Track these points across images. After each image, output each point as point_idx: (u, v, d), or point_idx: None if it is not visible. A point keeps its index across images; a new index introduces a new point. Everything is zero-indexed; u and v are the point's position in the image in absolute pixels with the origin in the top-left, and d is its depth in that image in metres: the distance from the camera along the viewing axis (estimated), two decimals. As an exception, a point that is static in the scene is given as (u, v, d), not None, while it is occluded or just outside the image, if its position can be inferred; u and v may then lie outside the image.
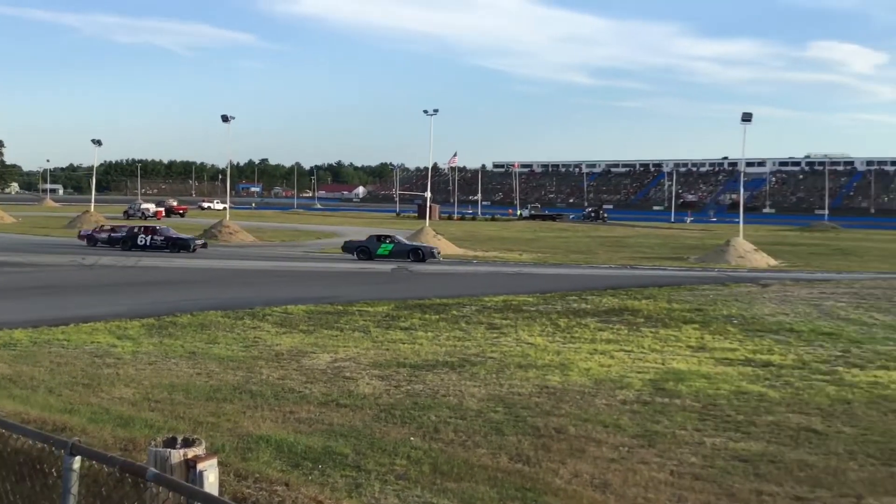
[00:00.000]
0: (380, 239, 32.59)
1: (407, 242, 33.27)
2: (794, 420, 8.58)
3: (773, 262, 35.53)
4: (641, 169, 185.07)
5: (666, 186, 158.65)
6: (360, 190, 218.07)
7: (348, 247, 33.10)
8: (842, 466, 7.05)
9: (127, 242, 33.47)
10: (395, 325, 14.79)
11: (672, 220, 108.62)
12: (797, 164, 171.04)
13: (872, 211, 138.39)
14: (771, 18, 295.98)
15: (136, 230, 34.77)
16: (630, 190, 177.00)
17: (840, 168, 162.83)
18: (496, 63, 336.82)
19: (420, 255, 31.41)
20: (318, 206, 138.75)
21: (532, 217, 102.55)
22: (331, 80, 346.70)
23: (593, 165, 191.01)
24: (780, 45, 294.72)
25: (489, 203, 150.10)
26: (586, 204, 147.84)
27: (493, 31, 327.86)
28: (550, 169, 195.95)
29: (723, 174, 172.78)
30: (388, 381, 10.15)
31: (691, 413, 8.81)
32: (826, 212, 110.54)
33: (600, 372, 10.89)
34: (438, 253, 32.87)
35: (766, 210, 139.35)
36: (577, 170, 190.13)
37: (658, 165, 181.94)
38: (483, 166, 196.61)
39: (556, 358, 11.86)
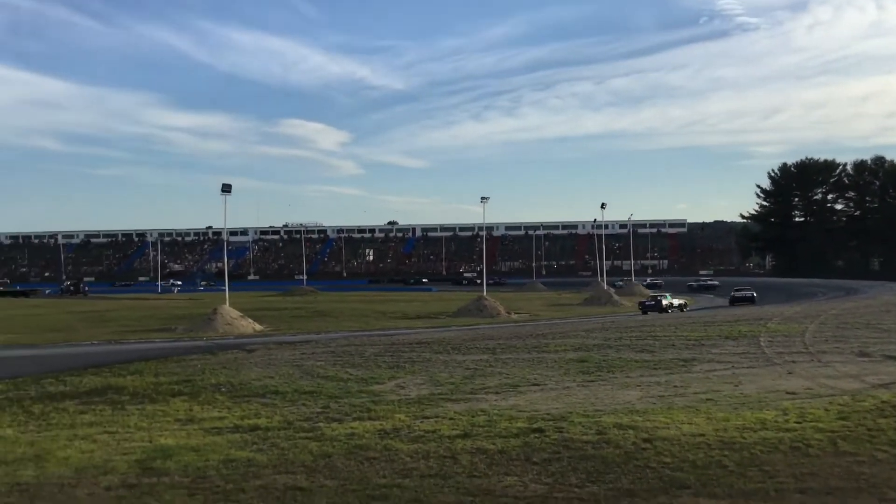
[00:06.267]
0: None
1: None
2: (280, 480, 8.84)
3: (258, 326, 36.83)
4: (124, 239, 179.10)
5: (151, 256, 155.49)
6: None
7: None
8: (324, 519, 7.44)
9: None
10: None
11: (160, 290, 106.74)
12: (277, 232, 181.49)
13: (344, 274, 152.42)
14: (243, 95, 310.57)
15: None
16: (113, 261, 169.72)
17: (315, 236, 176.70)
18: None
19: None
20: None
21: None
22: None
23: (71, 236, 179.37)
24: (254, 121, 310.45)
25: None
26: (65, 277, 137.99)
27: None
28: (21, 240, 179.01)
29: (208, 243, 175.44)
30: None
31: (180, 489, 8.55)
32: (304, 277, 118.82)
33: (81, 459, 10.04)
34: None
35: (251, 277, 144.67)
36: (52, 241, 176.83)
37: (142, 235, 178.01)
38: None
39: (30, 449, 10.63)
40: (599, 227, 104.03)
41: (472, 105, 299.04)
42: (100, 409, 13.93)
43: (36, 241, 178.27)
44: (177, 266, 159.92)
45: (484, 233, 77.79)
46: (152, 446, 10.75)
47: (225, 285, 46.45)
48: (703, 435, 10.66)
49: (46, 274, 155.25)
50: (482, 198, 57.48)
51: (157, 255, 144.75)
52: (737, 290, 63.94)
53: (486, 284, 59.41)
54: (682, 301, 54.59)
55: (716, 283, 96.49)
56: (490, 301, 49.39)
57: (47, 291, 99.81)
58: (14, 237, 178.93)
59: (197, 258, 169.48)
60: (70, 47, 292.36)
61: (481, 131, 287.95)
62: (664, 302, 51.22)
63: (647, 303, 52.12)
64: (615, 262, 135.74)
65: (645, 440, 10.44)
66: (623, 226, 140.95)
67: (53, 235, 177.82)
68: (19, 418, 13.21)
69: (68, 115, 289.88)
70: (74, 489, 8.64)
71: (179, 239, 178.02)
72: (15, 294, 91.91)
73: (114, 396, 15.41)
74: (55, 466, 9.66)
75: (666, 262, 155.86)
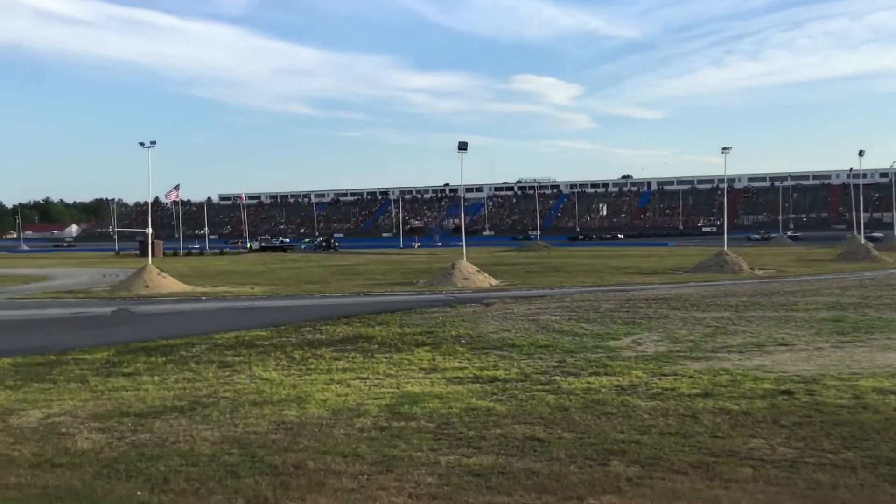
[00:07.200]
0: None
1: None
2: (519, 431, 9.07)
3: (494, 281, 37.61)
4: (369, 197, 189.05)
5: (393, 213, 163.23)
6: (74, 228, 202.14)
7: None
8: (564, 471, 7.54)
9: None
10: (118, 372, 13.80)
11: (401, 245, 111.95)
12: (510, 188, 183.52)
13: (577, 230, 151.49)
14: (476, 53, 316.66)
15: None
16: (359, 218, 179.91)
17: (548, 191, 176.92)
18: (214, 93, 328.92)
19: None
20: (25, 248, 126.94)
21: (263, 249, 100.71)
22: (33, 112, 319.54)
23: (322, 195, 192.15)
24: (487, 78, 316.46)
25: (217, 237, 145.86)
26: (317, 233, 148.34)
27: (208, 60, 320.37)
28: (279, 200, 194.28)
29: (445, 200, 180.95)
30: (111, 433, 9.41)
31: (426, 434, 9.02)
32: (538, 232, 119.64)
33: (337, 402, 10.86)
34: None
35: (486, 232, 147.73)
36: (306, 200, 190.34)
37: (385, 193, 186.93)
38: (209, 199, 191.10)
39: (293, 391, 11.66)
40: (856, 175, 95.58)
41: (711, 50, 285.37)
42: (352, 357, 14.96)
43: (292, 200, 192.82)
44: (417, 222, 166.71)
45: (725, 184, 74.01)
46: (400, 392, 11.41)
47: (462, 241, 47.79)
48: (980, 404, 9.65)
49: (301, 230, 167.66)
50: (723, 148, 54.59)
51: (399, 212, 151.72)
52: None
53: (728, 239, 56.78)
54: None
55: (879, 235, 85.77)
56: (732, 256, 47.11)
57: (303, 247, 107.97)
58: (273, 197, 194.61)
59: (435, 214, 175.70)
60: (318, 16, 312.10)
61: (722, 77, 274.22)
62: None
63: None
64: (874, 215, 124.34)
65: (910, 407, 9.62)
66: (884, 174, 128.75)
67: (307, 195, 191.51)
68: (283, 363, 14.49)
69: (317, 81, 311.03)
70: (332, 429, 9.37)
71: (419, 196, 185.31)
72: (275, 249, 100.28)
73: (364, 345, 16.48)
74: (314, 408, 10.52)
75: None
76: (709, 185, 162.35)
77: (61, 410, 10.76)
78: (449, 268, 39.55)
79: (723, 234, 55.68)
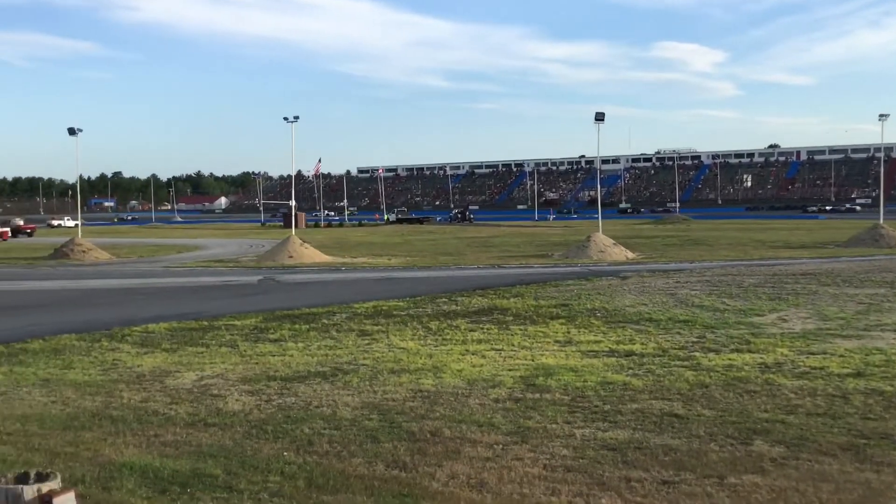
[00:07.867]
0: None
1: None
2: (657, 406, 8.91)
3: (630, 254, 36.93)
4: (504, 169, 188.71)
5: (528, 185, 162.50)
6: (223, 200, 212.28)
7: None
8: (703, 448, 7.37)
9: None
10: (264, 338, 14.45)
11: (536, 218, 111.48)
12: (648, 159, 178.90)
13: (719, 202, 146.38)
14: (615, 21, 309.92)
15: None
16: (494, 190, 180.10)
17: (688, 162, 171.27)
18: (353, 68, 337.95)
19: None
20: (179, 219, 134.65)
21: (399, 221, 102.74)
22: (184, 89, 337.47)
23: (457, 167, 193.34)
24: (626, 47, 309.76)
25: (356, 209, 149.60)
26: (452, 206, 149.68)
27: (347, 35, 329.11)
28: (415, 172, 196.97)
29: (581, 172, 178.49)
30: (259, 396, 9.89)
31: (561, 406, 9.00)
32: (677, 204, 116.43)
33: (473, 372, 10.99)
34: None
35: (623, 205, 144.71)
36: (441, 172, 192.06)
37: (520, 165, 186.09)
38: (348, 172, 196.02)
39: (429, 361, 11.88)
40: None
41: (869, 11, 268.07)
42: (487, 328, 15.07)
43: (428, 172, 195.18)
44: (552, 194, 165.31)
45: (882, 154, 69.34)
46: (534, 364, 11.42)
47: (598, 213, 47.17)
48: None
49: (437, 202, 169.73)
50: (880, 115, 51.13)
51: (534, 184, 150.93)
52: None
53: (884, 211, 53.42)
54: None
55: None
56: (888, 229, 44.35)
57: (438, 219, 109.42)
58: (410, 169, 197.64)
59: (570, 187, 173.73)
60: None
61: (880, 40, 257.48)
62: None
63: None
64: None
65: None
66: None
67: (442, 167, 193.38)
68: (419, 333, 14.78)
69: (452, 53, 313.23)
70: (467, 399, 9.50)
71: (554, 168, 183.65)
72: (411, 221, 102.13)
73: (499, 317, 16.57)
74: (450, 377, 10.68)
75: None
76: (864, 155, 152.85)
77: (213, 373, 11.39)
78: (584, 240, 39.12)
79: (878, 206, 52.46)
